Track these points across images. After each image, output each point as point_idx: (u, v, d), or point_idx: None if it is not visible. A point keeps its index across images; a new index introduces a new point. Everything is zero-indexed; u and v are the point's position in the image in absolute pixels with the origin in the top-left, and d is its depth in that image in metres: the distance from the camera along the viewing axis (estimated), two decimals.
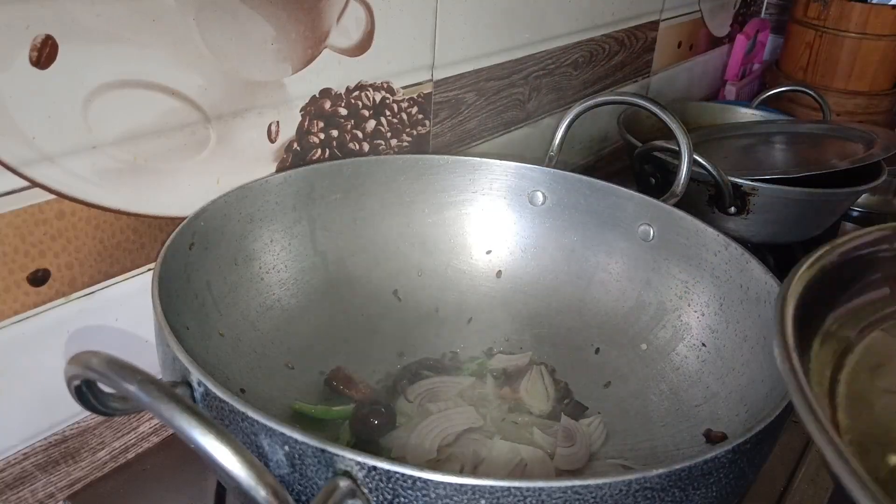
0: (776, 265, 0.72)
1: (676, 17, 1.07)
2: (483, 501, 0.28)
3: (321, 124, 0.57)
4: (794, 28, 1.26)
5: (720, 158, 0.83)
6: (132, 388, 0.27)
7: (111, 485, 0.48)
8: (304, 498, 0.31)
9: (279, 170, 0.55)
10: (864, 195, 0.92)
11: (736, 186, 0.72)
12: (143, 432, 0.52)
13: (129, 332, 0.48)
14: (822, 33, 1.21)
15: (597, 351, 0.56)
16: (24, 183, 0.40)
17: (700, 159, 0.68)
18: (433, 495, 0.29)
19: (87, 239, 0.44)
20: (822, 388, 0.30)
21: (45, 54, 0.39)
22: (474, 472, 0.44)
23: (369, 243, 0.59)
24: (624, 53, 0.97)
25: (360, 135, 0.60)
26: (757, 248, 0.74)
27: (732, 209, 0.74)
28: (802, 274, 0.31)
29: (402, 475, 0.28)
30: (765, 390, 0.42)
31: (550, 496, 0.28)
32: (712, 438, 0.44)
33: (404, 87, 0.63)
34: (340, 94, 0.57)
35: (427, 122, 0.67)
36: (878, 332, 0.33)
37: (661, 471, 0.30)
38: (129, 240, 0.46)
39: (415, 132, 0.66)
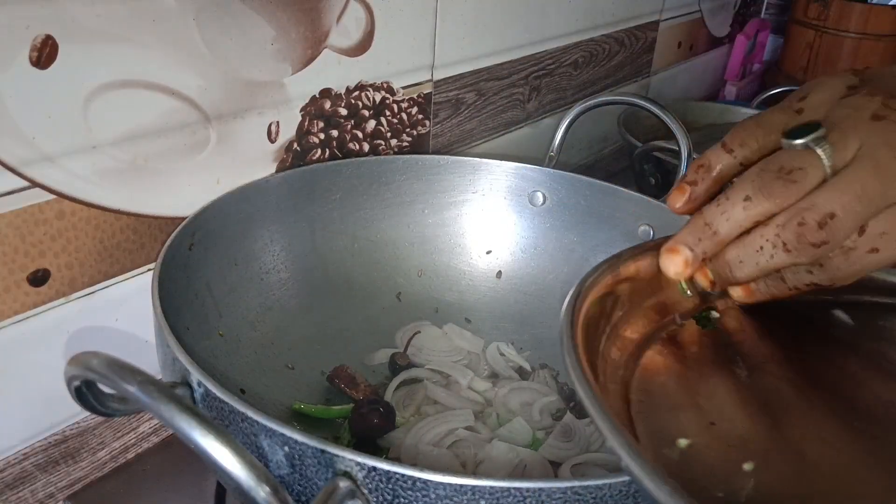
0: None
1: (676, 17, 1.07)
2: (483, 502, 0.28)
3: (321, 124, 0.57)
4: (794, 28, 1.26)
5: None
6: (132, 388, 0.27)
7: (111, 485, 0.48)
8: (304, 498, 0.31)
9: (279, 170, 0.55)
10: None
11: None
12: (143, 432, 0.52)
13: (129, 332, 0.48)
14: (822, 33, 1.21)
15: None
16: (24, 183, 0.40)
17: None
18: (433, 496, 0.29)
19: (87, 239, 0.44)
20: (616, 386, 0.32)
21: (45, 54, 0.39)
22: (474, 473, 0.44)
23: (369, 243, 0.59)
24: (624, 53, 0.97)
25: (360, 135, 0.60)
26: None
27: None
28: (589, 283, 0.35)
29: (402, 476, 0.28)
30: None
31: (550, 496, 0.28)
32: None
33: (404, 87, 0.63)
34: (340, 94, 0.57)
35: (427, 122, 0.67)
36: (661, 336, 0.37)
37: None
38: (129, 240, 0.46)
39: (415, 132, 0.66)
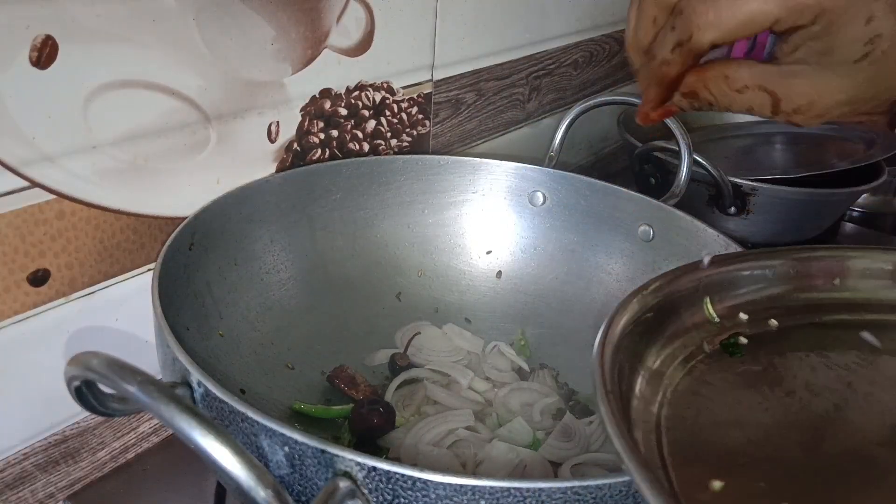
0: None
1: None
2: (483, 502, 0.28)
3: (321, 124, 0.57)
4: None
5: (720, 158, 0.83)
6: (132, 388, 0.27)
7: (111, 485, 0.48)
8: (304, 498, 0.31)
9: (279, 170, 0.55)
10: (864, 195, 0.92)
11: (736, 186, 0.72)
12: (143, 432, 0.52)
13: (129, 332, 0.48)
14: None
15: None
16: (24, 183, 0.40)
17: (700, 159, 0.68)
18: (433, 496, 0.29)
19: (87, 239, 0.44)
20: (649, 425, 0.31)
21: (45, 54, 0.39)
22: (474, 473, 0.44)
23: (369, 243, 0.59)
24: (624, 53, 0.97)
25: (360, 135, 0.60)
26: (757, 249, 0.74)
27: (732, 209, 0.74)
28: (616, 319, 0.33)
29: (402, 476, 0.28)
30: None
31: (550, 496, 0.28)
32: None
33: (404, 87, 0.63)
34: (340, 94, 0.57)
35: (427, 122, 0.67)
36: (691, 365, 0.36)
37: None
38: (129, 240, 0.46)
39: (415, 132, 0.66)
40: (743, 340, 0.38)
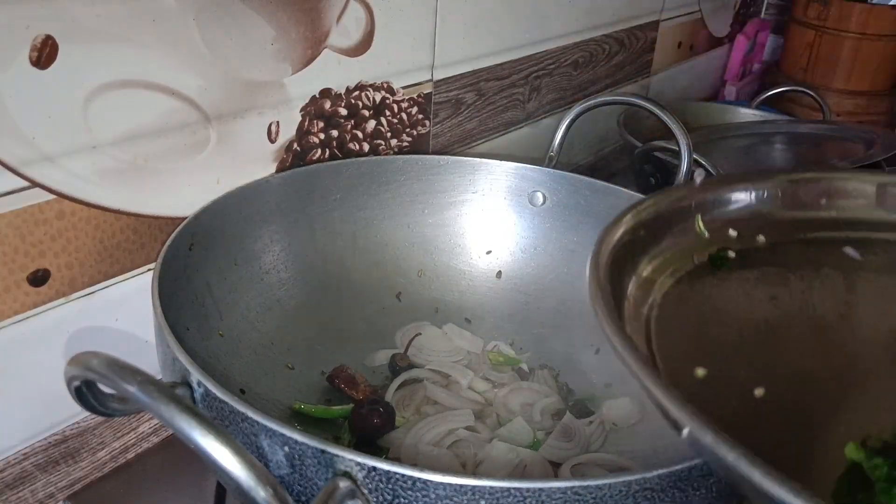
0: None
1: (676, 17, 1.07)
2: (483, 502, 0.28)
3: (321, 124, 0.57)
4: (794, 28, 1.26)
5: (720, 158, 0.83)
6: (132, 388, 0.27)
7: (111, 485, 0.48)
8: (304, 498, 0.31)
9: (279, 170, 0.55)
10: None
11: None
12: (143, 432, 0.52)
13: (129, 332, 0.48)
14: (822, 33, 1.21)
15: (597, 351, 0.56)
16: (24, 183, 0.40)
17: (700, 159, 0.68)
18: (433, 496, 0.29)
19: (87, 239, 0.44)
20: (639, 324, 0.34)
21: (45, 54, 0.39)
22: (474, 473, 0.44)
23: (369, 243, 0.59)
24: (624, 54, 0.97)
25: (360, 135, 0.60)
26: None
27: None
28: (612, 230, 0.36)
29: (402, 476, 0.28)
30: None
31: (550, 496, 0.28)
32: None
33: (404, 87, 0.63)
34: (340, 94, 0.57)
35: (427, 122, 0.67)
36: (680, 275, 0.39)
37: (660, 471, 0.30)
38: (129, 240, 0.46)
39: (415, 132, 0.66)
40: (731, 254, 0.40)
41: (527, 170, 0.61)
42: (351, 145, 0.60)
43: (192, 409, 0.26)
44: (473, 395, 0.51)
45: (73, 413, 0.47)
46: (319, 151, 0.57)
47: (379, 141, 0.62)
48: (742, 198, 0.42)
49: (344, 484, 0.29)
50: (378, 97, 0.60)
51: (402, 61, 0.62)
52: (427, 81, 0.65)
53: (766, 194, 0.42)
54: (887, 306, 0.39)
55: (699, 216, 0.40)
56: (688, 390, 0.30)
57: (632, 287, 0.36)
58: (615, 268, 0.34)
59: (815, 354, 0.35)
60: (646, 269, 0.37)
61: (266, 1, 0.48)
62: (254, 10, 0.48)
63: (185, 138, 0.47)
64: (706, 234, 0.40)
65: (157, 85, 0.44)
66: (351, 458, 0.29)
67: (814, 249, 0.41)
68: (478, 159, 0.61)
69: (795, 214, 0.42)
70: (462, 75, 0.69)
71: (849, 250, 0.41)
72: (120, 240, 0.46)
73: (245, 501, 0.25)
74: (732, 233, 0.40)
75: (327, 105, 0.56)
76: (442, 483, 0.28)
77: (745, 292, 0.38)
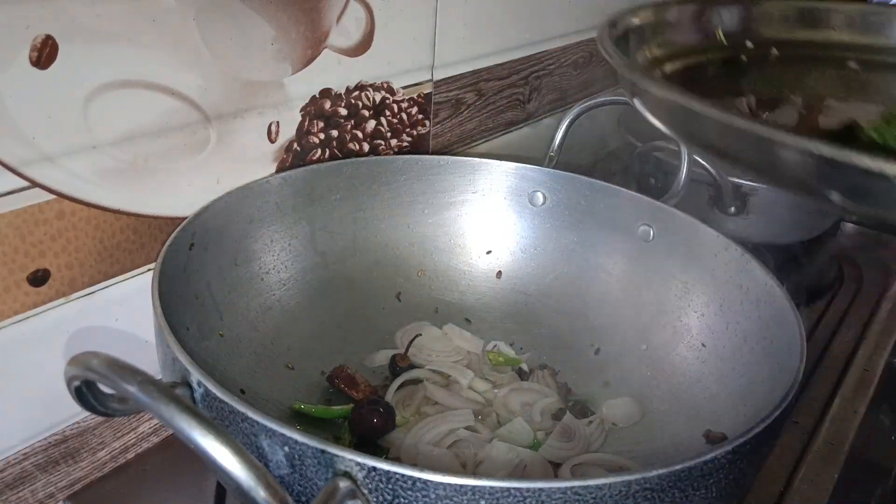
0: (776, 265, 0.72)
1: None
2: (483, 502, 0.28)
3: (321, 124, 0.57)
4: None
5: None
6: (132, 388, 0.27)
7: (111, 485, 0.48)
8: (304, 498, 0.31)
9: (279, 170, 0.55)
10: None
11: (736, 186, 0.72)
12: (143, 432, 0.52)
13: (129, 332, 0.48)
14: None
15: (597, 351, 0.56)
16: (24, 183, 0.40)
17: (700, 159, 0.68)
18: (433, 496, 0.29)
19: (87, 239, 0.44)
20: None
21: (45, 54, 0.39)
22: (474, 473, 0.44)
23: (369, 243, 0.59)
24: None
25: (360, 135, 0.60)
26: (757, 249, 0.74)
27: (732, 209, 0.74)
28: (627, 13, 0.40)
29: (402, 476, 0.28)
30: (764, 391, 0.42)
31: (550, 496, 0.28)
32: (712, 439, 0.44)
33: (404, 87, 0.63)
34: (340, 94, 0.57)
35: (427, 122, 0.67)
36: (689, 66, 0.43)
37: (660, 471, 0.30)
38: (129, 240, 0.46)
39: (415, 132, 0.66)
40: (744, 59, 0.44)
41: (527, 170, 0.61)
42: (351, 145, 0.60)
43: (192, 409, 0.26)
44: (473, 395, 0.51)
45: (73, 413, 0.47)
46: (319, 151, 0.57)
47: (379, 141, 0.62)
48: (762, 13, 0.46)
49: (344, 484, 0.29)
50: (378, 97, 0.60)
51: (402, 61, 0.62)
52: (427, 81, 0.65)
53: (782, 14, 0.47)
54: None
55: (720, 28, 0.44)
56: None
57: (641, 55, 0.39)
58: (628, 35, 0.38)
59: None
60: (656, 52, 0.40)
61: (266, 1, 0.48)
62: (254, 10, 0.48)
63: (185, 138, 0.47)
64: (725, 41, 0.43)
65: (157, 85, 0.44)
66: (351, 458, 0.29)
67: (823, 61, 0.46)
68: (478, 159, 0.61)
69: (808, 35, 0.46)
70: (462, 75, 0.69)
71: (852, 63, 0.45)
72: (120, 240, 0.46)
73: (245, 501, 0.25)
74: (749, 44, 0.44)
75: (327, 105, 0.56)
76: (442, 483, 0.28)
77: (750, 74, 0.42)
